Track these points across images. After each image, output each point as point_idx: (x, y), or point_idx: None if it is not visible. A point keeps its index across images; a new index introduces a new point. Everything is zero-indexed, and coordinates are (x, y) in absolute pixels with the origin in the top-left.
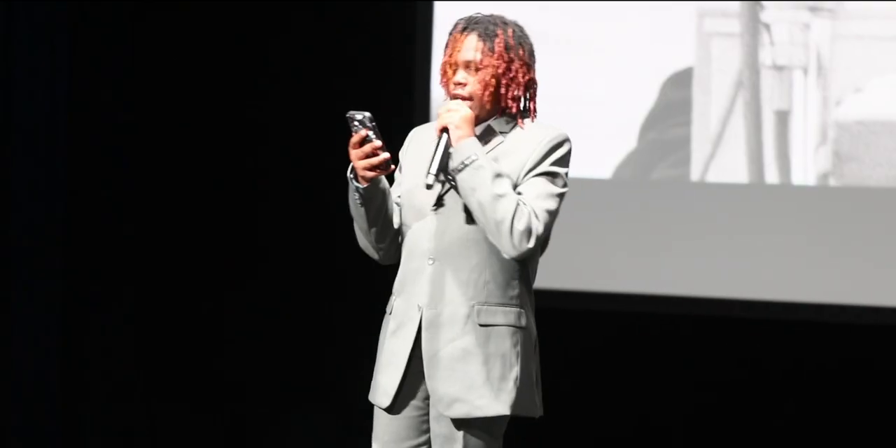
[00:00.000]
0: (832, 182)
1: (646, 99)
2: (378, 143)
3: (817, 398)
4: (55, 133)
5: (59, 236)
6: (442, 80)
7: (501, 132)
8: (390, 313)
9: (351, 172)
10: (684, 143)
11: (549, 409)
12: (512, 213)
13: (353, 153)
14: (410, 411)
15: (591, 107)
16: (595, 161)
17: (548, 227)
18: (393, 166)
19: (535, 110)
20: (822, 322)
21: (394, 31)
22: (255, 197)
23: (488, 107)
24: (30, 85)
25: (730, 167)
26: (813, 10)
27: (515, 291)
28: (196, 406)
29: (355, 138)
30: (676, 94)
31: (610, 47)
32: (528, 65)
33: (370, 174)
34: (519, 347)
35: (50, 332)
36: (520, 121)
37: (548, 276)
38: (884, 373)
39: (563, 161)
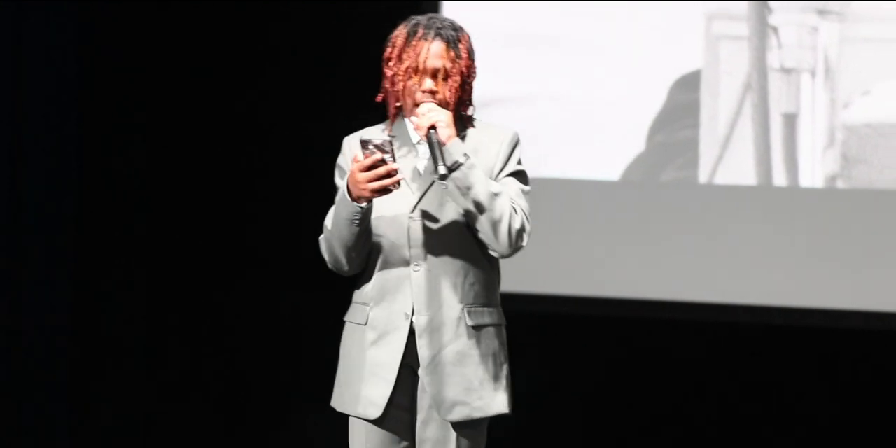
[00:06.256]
0: (840, 184)
1: (654, 101)
2: (395, 165)
3: (821, 403)
4: (66, 127)
5: (69, 230)
6: (396, 85)
7: (461, 135)
8: (365, 324)
9: (349, 194)
10: (692, 146)
11: (557, 415)
12: (509, 211)
13: (362, 175)
14: (397, 419)
15: (600, 109)
16: (603, 163)
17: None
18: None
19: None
20: (830, 326)
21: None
22: (270, 189)
23: (453, 112)
24: (41, 87)
25: (738, 169)
26: (821, 12)
27: (494, 291)
28: (201, 401)
29: (367, 162)
30: (684, 96)
31: (618, 50)
32: (475, 67)
33: (378, 194)
34: (504, 345)
35: (60, 328)
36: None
37: (557, 280)
38: (891, 377)
39: (520, 160)
